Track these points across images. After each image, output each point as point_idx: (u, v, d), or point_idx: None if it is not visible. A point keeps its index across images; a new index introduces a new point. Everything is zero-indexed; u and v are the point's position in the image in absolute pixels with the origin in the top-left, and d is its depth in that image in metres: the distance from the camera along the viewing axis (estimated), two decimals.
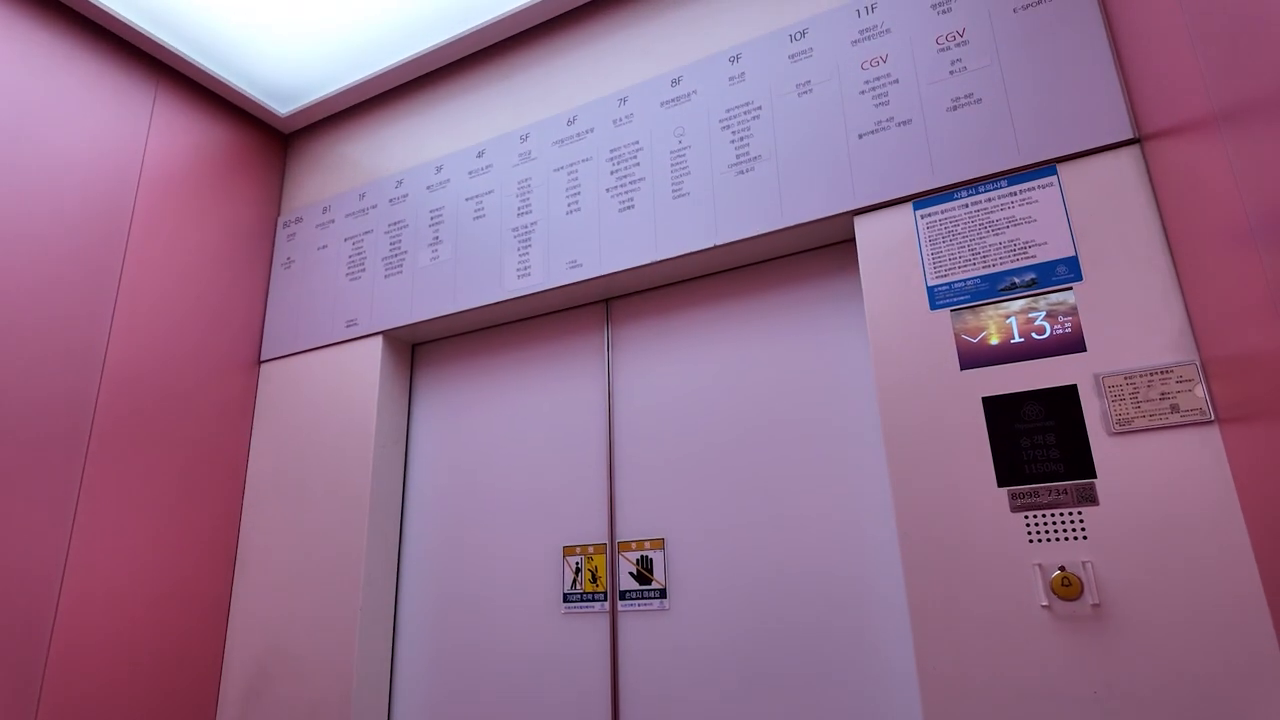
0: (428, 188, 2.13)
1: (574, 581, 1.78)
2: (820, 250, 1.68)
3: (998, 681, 1.20)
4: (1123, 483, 1.20)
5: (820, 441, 1.58)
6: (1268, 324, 0.91)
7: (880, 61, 1.55)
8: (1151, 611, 1.14)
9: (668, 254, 1.69)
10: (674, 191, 1.71)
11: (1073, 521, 1.22)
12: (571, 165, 1.88)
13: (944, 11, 1.50)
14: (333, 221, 2.31)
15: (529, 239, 1.89)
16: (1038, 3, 1.41)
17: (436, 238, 2.05)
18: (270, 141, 2.50)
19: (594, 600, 1.74)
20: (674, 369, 1.78)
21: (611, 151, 1.83)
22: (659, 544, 1.70)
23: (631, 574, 1.71)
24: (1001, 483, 1.28)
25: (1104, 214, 1.30)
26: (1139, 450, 1.20)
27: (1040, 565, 1.22)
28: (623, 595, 1.71)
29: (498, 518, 1.92)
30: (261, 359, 2.32)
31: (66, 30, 1.97)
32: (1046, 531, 1.23)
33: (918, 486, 1.34)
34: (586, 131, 1.88)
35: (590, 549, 1.78)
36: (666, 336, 1.81)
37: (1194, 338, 1.19)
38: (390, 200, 2.20)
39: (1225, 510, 1.12)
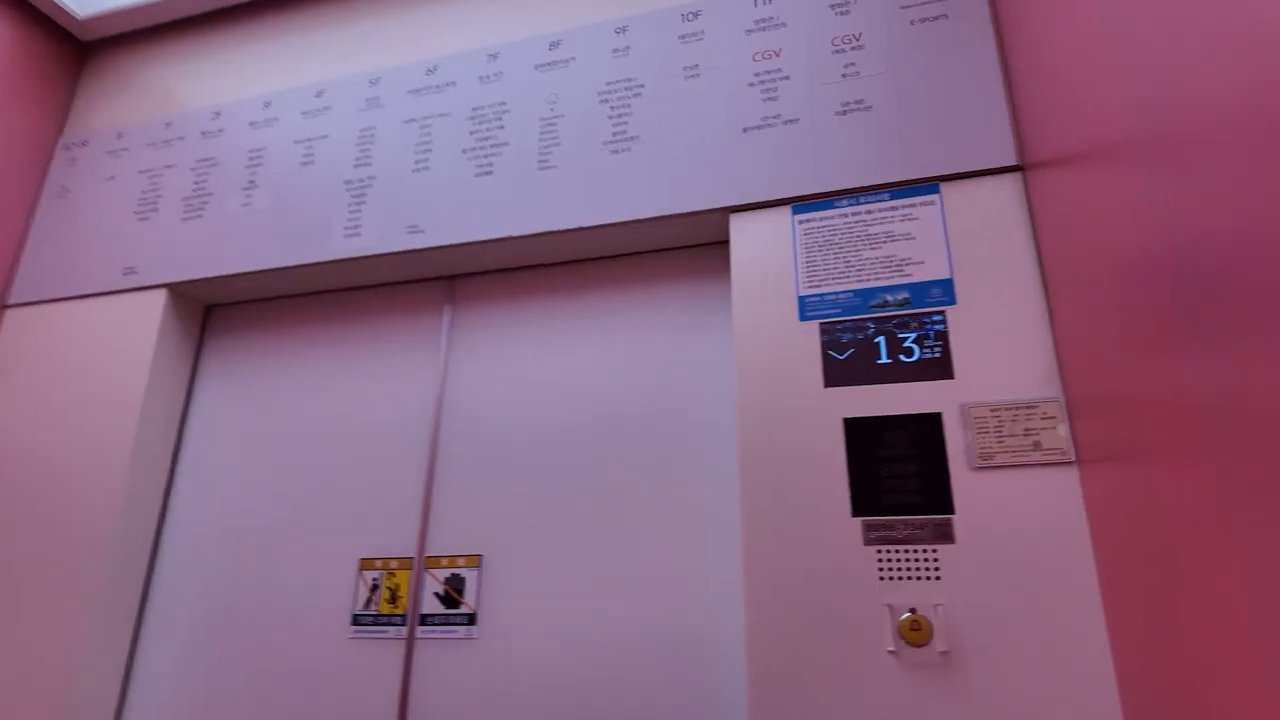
0: (250, 124, 1.81)
1: (368, 601, 1.50)
2: (693, 250, 1.54)
3: None
4: (980, 521, 1.12)
5: (672, 457, 1.42)
6: (1132, 366, 0.84)
7: (773, 55, 1.45)
8: (998, 662, 1.05)
9: (527, 230, 1.49)
10: (540, 163, 1.52)
11: (927, 560, 1.12)
12: (425, 119, 1.64)
13: (842, 13, 1.42)
14: (127, 150, 1.92)
15: (364, 195, 1.62)
16: (935, 18, 1.36)
17: (252, 182, 1.73)
18: (61, 47, 2.06)
19: (390, 624, 1.47)
20: (519, 364, 1.57)
21: (474, 110, 1.61)
22: (475, 562, 1.46)
23: (438, 595, 1.46)
24: (856, 512, 1.17)
25: (983, 239, 1.25)
26: (999, 488, 1.12)
27: (891, 606, 1.11)
28: (424, 620, 1.45)
29: (286, 520, 1.60)
30: (8, 302, 1.87)
31: None
32: (899, 569, 1.13)
33: (768, 510, 1.20)
34: (447, 84, 1.66)
35: (393, 563, 1.51)
36: (515, 326, 1.60)
37: (1061, 375, 1.14)
38: (203, 133, 1.85)
39: (1078, 557, 1.06)
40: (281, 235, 1.66)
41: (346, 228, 1.60)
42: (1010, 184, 1.26)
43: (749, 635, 1.14)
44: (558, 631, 1.36)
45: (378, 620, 1.47)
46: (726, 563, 1.33)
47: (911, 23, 1.38)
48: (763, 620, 1.15)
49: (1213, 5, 0.62)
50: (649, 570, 1.36)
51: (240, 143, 1.80)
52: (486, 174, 1.55)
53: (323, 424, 1.65)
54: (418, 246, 1.54)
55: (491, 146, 1.56)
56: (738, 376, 1.29)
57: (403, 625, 1.46)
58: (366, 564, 1.52)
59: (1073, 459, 1.10)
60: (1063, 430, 1.12)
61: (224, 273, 1.67)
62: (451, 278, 1.67)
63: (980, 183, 1.28)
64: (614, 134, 1.49)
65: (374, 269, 1.63)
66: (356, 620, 1.49)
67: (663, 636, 1.32)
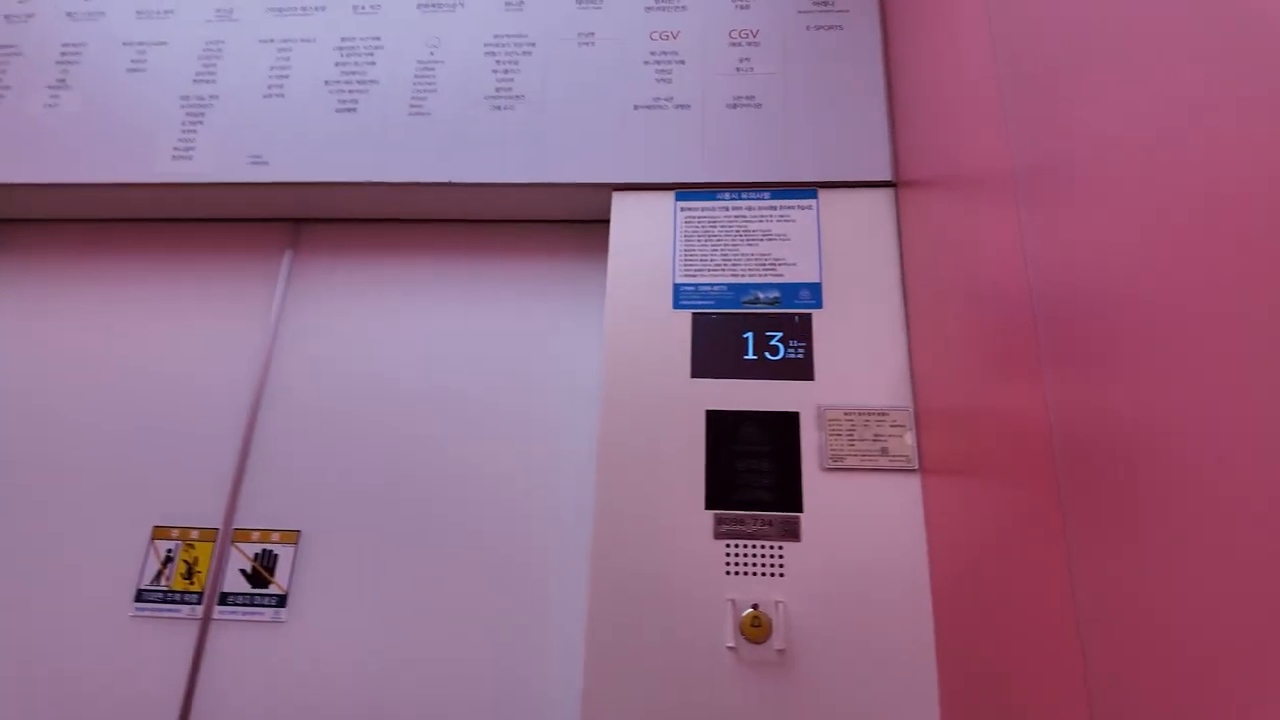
0: (68, 14, 1.54)
1: (159, 575, 1.30)
2: (572, 225, 1.47)
3: None
4: (825, 521, 1.13)
5: (525, 439, 1.34)
6: (978, 385, 0.88)
7: (671, 37, 1.41)
8: (831, 662, 1.06)
9: (389, 178, 1.36)
10: (412, 108, 1.40)
11: (773, 556, 1.12)
12: (286, 41, 1.47)
13: (743, 6, 1.41)
14: None
15: (201, 115, 1.42)
16: (830, 27, 1.38)
17: (62, 81, 1.48)
18: None
19: (182, 602, 1.28)
20: (365, 325, 1.43)
21: (343, 40, 1.46)
22: (292, 538, 1.31)
23: (244, 572, 1.30)
24: (710, 504, 1.15)
25: (852, 248, 1.27)
26: (846, 490, 1.14)
27: (734, 601, 1.09)
28: (224, 599, 1.28)
29: (66, 478, 1.37)
30: None
31: None
32: (746, 564, 1.12)
33: (623, 496, 1.15)
34: (315, 8, 1.49)
35: (194, 534, 1.33)
36: (365, 284, 1.46)
37: (912, 385, 1.18)
38: (5, 16, 1.56)
39: (914, 562, 1.09)
40: (93, 147, 1.42)
41: (176, 149, 1.40)
42: (883, 198, 1.29)
43: (589, 623, 1.09)
44: (380, 618, 1.25)
45: (168, 597, 1.29)
46: (573, 552, 1.27)
47: (807, 28, 1.39)
48: (604, 609, 1.10)
49: (1094, 53, 0.64)
50: (488, 558, 1.27)
51: (52, 33, 1.53)
52: (349, 110, 1.40)
53: (122, 371, 1.43)
54: (260, 180, 1.37)
55: (359, 82, 1.42)
56: (605, 360, 1.23)
57: (198, 604, 1.28)
58: (161, 533, 1.33)
59: (916, 467, 1.14)
60: (909, 439, 1.15)
61: (13, 181, 1.41)
62: (297, 221, 1.50)
63: (855, 193, 1.30)
64: (498, 89, 1.40)
65: (205, 200, 1.44)
66: (141, 596, 1.29)
67: (497, 628, 1.24)
